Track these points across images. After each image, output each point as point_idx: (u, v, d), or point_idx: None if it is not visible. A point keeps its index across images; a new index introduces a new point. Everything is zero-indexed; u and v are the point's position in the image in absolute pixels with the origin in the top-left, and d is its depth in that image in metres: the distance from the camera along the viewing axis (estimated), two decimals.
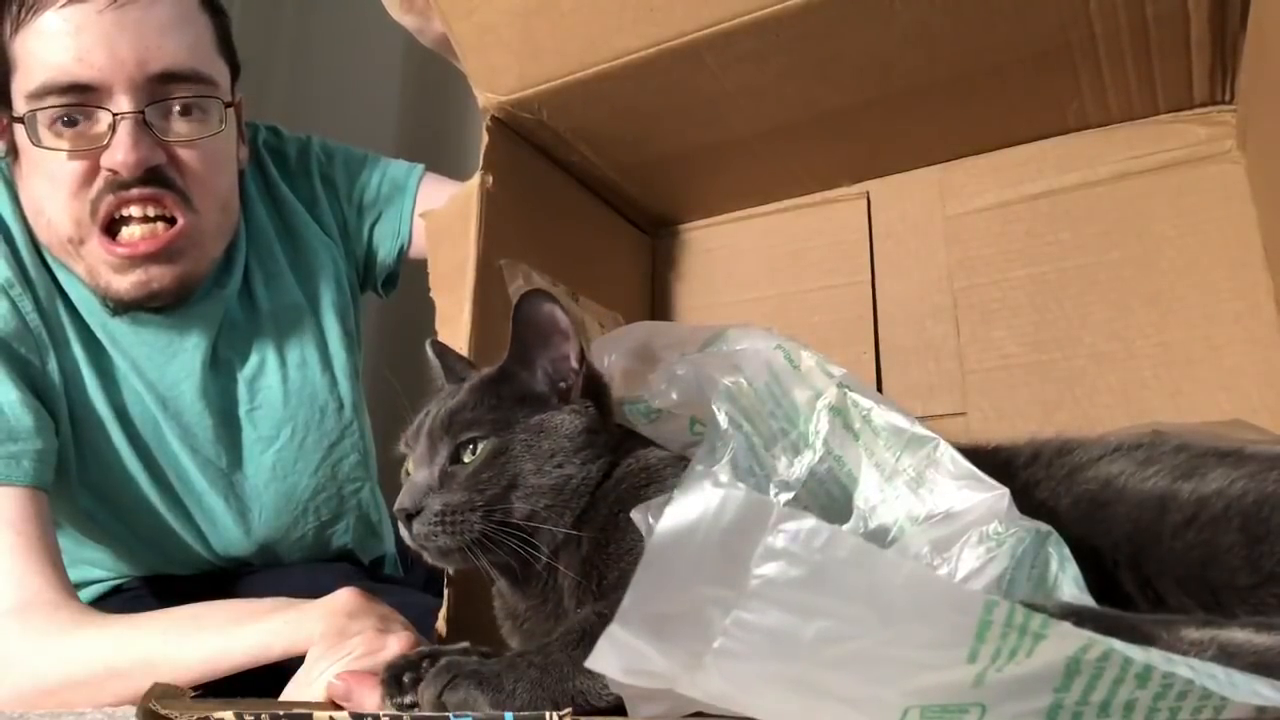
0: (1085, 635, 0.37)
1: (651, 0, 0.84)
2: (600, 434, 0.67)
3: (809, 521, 0.38)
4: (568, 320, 0.67)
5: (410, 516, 0.62)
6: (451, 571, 0.78)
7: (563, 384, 0.68)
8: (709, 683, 0.40)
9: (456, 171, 1.20)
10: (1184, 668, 0.37)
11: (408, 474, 0.68)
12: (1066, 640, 0.37)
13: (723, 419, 0.62)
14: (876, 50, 0.88)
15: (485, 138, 0.94)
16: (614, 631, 0.39)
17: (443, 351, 0.77)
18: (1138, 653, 0.37)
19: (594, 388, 0.69)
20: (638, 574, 0.40)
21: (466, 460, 0.64)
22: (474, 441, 0.64)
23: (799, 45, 0.87)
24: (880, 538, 0.60)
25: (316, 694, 0.69)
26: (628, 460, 0.67)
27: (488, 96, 0.94)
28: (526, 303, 0.66)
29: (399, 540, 1.26)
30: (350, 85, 1.79)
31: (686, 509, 0.39)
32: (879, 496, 0.61)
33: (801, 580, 0.38)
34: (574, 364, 0.68)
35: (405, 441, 0.68)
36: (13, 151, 0.98)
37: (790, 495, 0.61)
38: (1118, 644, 0.37)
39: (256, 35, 1.44)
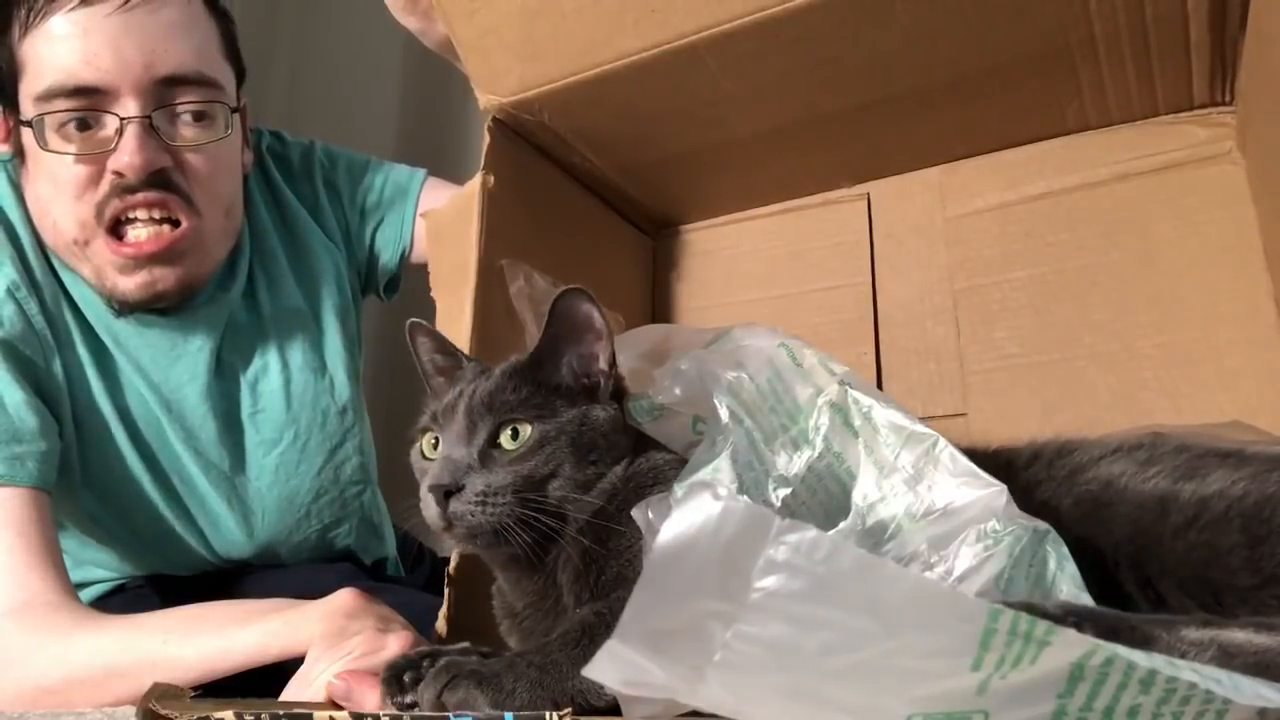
0: (1090, 641, 0.37)
1: (652, 2, 0.84)
2: (623, 435, 0.68)
3: (810, 533, 0.38)
4: (603, 322, 0.68)
5: (448, 493, 0.62)
6: (454, 568, 0.78)
7: (586, 380, 0.69)
8: (710, 694, 0.39)
9: (457, 173, 1.20)
10: (1188, 672, 0.37)
11: (422, 455, 0.68)
12: (1071, 646, 0.37)
13: (724, 413, 0.62)
14: (877, 51, 0.88)
15: (486, 139, 0.94)
16: (613, 646, 0.39)
17: (423, 335, 0.76)
18: (1141, 658, 0.37)
19: (618, 390, 0.70)
20: (637, 589, 0.40)
21: (504, 442, 0.64)
22: (515, 424, 0.64)
23: (799, 46, 0.87)
24: (878, 534, 0.60)
25: (316, 694, 0.69)
26: (638, 460, 0.67)
27: (489, 98, 0.95)
28: (566, 299, 0.66)
29: (400, 541, 1.27)
30: (350, 87, 1.79)
31: (686, 523, 0.39)
32: (877, 493, 0.61)
33: (803, 592, 0.38)
34: (603, 365, 0.69)
35: (434, 417, 0.68)
36: (19, 154, 0.98)
37: (788, 490, 0.61)
38: (1122, 649, 0.37)
39: (256, 37, 1.44)
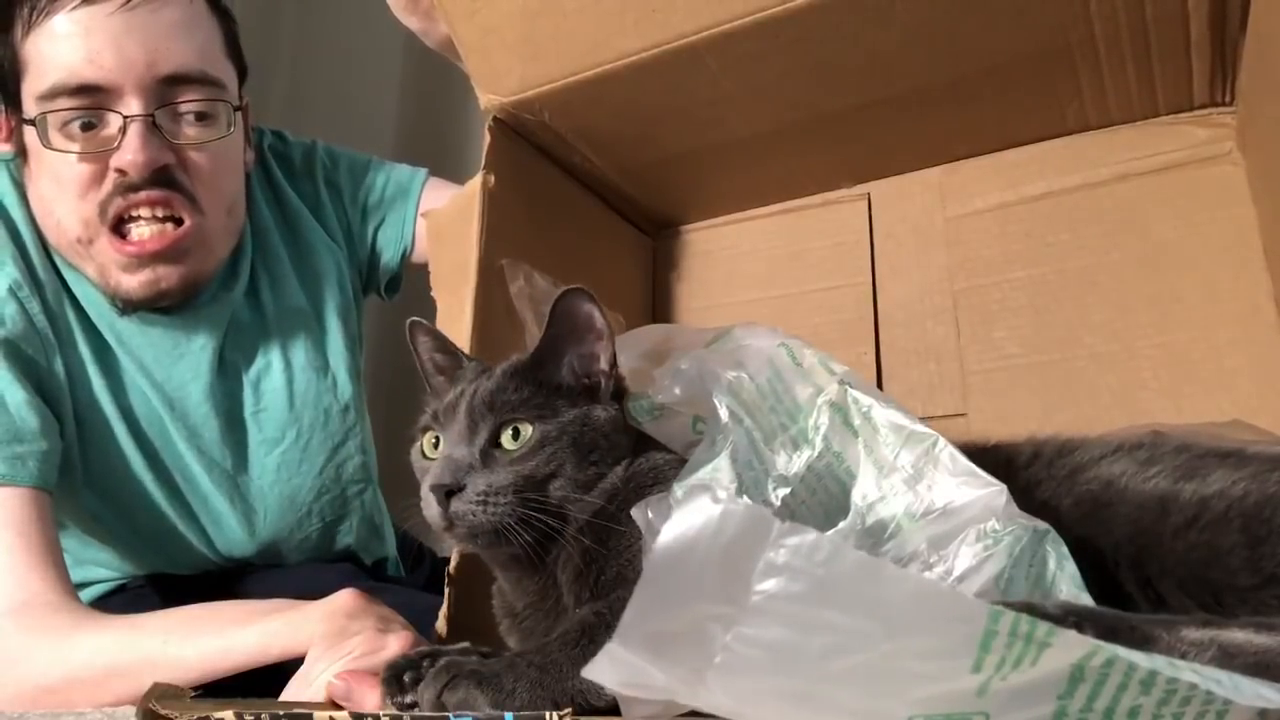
0: (1090, 642, 0.37)
1: (652, 2, 0.84)
2: (624, 435, 0.68)
3: (810, 535, 0.38)
4: (604, 322, 0.68)
5: (450, 493, 0.62)
6: (454, 568, 0.78)
7: (587, 380, 0.69)
8: (710, 697, 0.39)
9: (457, 173, 1.20)
10: (1188, 673, 0.37)
11: (423, 454, 0.68)
12: (1071, 647, 0.37)
13: (724, 412, 0.63)
14: (877, 52, 0.88)
15: (487, 139, 0.95)
16: (613, 649, 0.39)
17: (423, 334, 0.76)
18: (1142, 659, 0.37)
19: (619, 390, 0.70)
20: (637, 591, 0.39)
21: (505, 442, 0.64)
22: (516, 424, 0.64)
23: (799, 46, 0.87)
24: (878, 534, 0.60)
25: (317, 694, 0.69)
26: (639, 460, 0.67)
27: (490, 98, 0.95)
28: (567, 298, 0.66)
29: (400, 541, 1.27)
30: (351, 87, 1.79)
31: (686, 525, 0.39)
32: (877, 493, 0.61)
33: (803, 594, 0.38)
34: (604, 365, 0.69)
35: (435, 416, 0.68)
36: (22, 153, 0.98)
37: (788, 490, 0.61)
38: (1122, 650, 0.37)
39: (256, 37, 1.44)
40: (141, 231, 0.96)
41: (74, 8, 0.91)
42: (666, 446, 0.69)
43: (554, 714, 0.48)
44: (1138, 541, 0.58)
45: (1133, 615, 0.47)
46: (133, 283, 0.98)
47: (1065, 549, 0.55)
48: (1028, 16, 0.84)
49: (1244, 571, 0.54)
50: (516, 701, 0.53)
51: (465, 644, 0.65)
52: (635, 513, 0.57)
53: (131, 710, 0.57)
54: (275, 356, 1.10)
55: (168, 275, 0.98)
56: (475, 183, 0.92)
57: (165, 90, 0.94)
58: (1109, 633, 0.42)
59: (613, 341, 0.69)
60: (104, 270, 0.98)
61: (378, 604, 0.77)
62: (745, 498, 0.60)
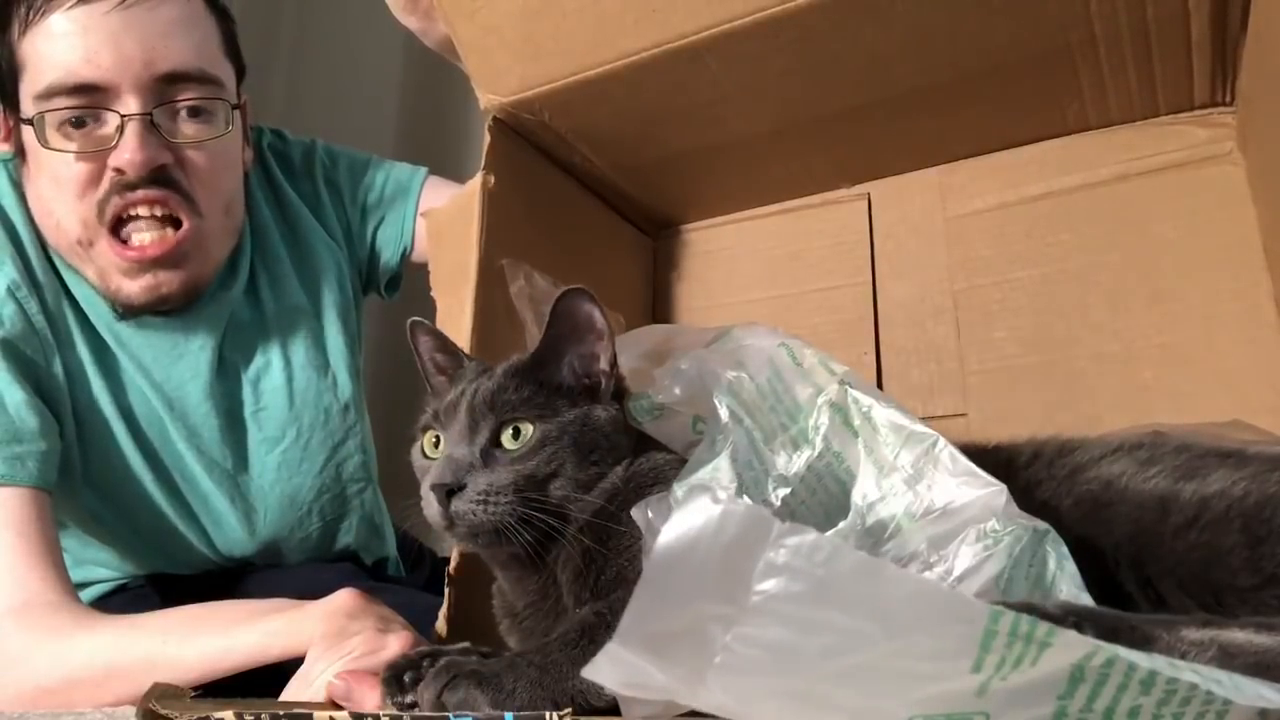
0: (1090, 642, 0.37)
1: (653, 1, 0.84)
2: (624, 435, 0.68)
3: (810, 536, 0.38)
4: (604, 322, 0.68)
5: (450, 492, 0.62)
6: (454, 567, 0.78)
7: (587, 380, 0.69)
8: (710, 697, 0.39)
9: (457, 173, 1.20)
10: (1189, 673, 0.37)
11: (423, 453, 0.68)
12: (1071, 648, 0.37)
13: (724, 412, 0.63)
14: (877, 51, 0.88)
15: (487, 139, 0.95)
16: (613, 649, 0.39)
17: (424, 334, 0.76)
18: (1142, 659, 0.37)
19: (619, 390, 0.70)
20: (637, 591, 0.39)
21: (506, 442, 0.64)
22: (517, 423, 0.64)
23: (800, 46, 0.87)
24: (878, 534, 0.60)
25: (317, 694, 0.69)
26: (639, 460, 0.67)
27: (490, 98, 0.95)
28: (568, 298, 0.66)
29: (400, 541, 1.27)
30: (350, 87, 1.79)
31: (686, 525, 0.39)
32: (877, 493, 0.61)
33: (804, 595, 0.38)
34: (604, 365, 0.69)
35: (435, 415, 0.68)
36: (20, 153, 0.98)
37: (788, 490, 0.62)
38: (1122, 650, 0.37)
39: (256, 36, 1.44)
40: (142, 236, 0.96)
41: (71, 6, 0.91)
42: (666, 446, 0.69)
43: (554, 714, 0.48)
44: (1138, 541, 0.58)
45: (1133, 615, 0.48)
46: (134, 288, 0.98)
47: (1065, 549, 0.56)
48: (1027, 17, 0.84)
49: (1244, 571, 0.54)
50: (516, 701, 0.53)
51: (465, 644, 0.65)
52: (635, 513, 0.57)
53: (131, 710, 0.57)
54: (275, 355, 1.10)
55: (169, 280, 0.98)
56: (475, 183, 0.92)
57: (163, 89, 0.94)
58: (1109, 633, 0.42)
59: (613, 341, 0.69)
60: (104, 274, 0.98)
61: (378, 604, 0.77)
62: (745, 498, 0.60)
